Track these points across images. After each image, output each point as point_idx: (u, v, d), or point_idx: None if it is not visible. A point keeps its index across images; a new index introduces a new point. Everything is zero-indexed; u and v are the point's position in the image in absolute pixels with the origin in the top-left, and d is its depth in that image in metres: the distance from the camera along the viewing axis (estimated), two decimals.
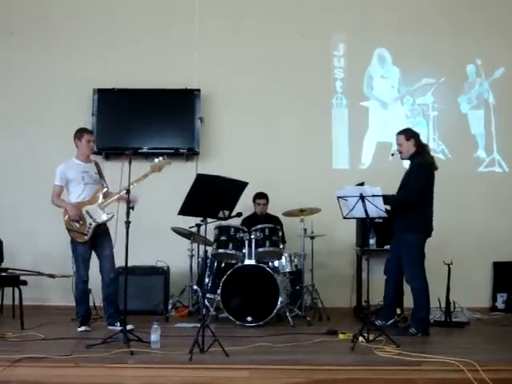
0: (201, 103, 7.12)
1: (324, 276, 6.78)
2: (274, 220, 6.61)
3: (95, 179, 5.50)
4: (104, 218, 5.39)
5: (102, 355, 4.28)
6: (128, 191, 4.87)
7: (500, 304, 6.92)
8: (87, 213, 5.36)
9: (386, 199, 5.11)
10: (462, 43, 7.33)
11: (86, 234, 5.35)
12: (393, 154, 5.69)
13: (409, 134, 5.53)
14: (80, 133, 5.55)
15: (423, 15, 7.39)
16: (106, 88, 7.09)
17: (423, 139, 5.79)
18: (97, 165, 5.62)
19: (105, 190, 5.48)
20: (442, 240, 6.75)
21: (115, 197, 5.34)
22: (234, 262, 6.14)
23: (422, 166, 5.43)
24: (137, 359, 4.28)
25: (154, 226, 6.60)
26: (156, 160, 5.33)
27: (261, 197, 6.73)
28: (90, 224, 5.35)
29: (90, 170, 5.51)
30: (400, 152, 5.56)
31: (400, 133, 5.57)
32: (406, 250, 5.38)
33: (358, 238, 6.67)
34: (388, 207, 5.20)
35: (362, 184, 5.28)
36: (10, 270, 5.84)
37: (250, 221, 6.46)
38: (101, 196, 5.44)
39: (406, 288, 5.53)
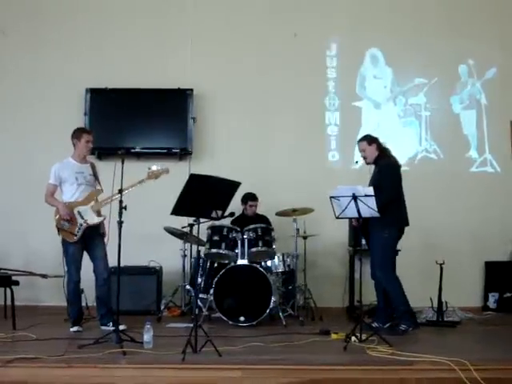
0: (194, 103, 7.11)
1: (317, 276, 6.79)
2: (263, 219, 6.60)
3: (89, 180, 5.48)
4: (95, 220, 5.38)
5: (95, 355, 4.27)
6: (120, 192, 4.85)
7: (492, 303, 6.94)
8: (79, 213, 5.34)
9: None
10: (455, 43, 7.34)
11: (76, 235, 5.32)
12: (357, 162, 5.78)
13: (370, 139, 5.70)
14: (79, 132, 5.53)
15: (416, 16, 7.40)
16: (98, 88, 7.06)
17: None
18: (93, 166, 5.59)
19: (99, 192, 5.45)
20: (434, 240, 6.80)
21: (108, 200, 5.29)
22: (226, 261, 6.14)
23: (390, 166, 5.56)
24: (129, 359, 4.27)
25: (147, 226, 6.57)
26: (154, 167, 5.29)
27: (254, 199, 6.69)
28: (81, 225, 5.33)
29: (84, 171, 5.48)
30: (364, 158, 5.69)
31: (361, 140, 5.75)
32: (378, 247, 5.43)
33: (351, 238, 6.68)
34: None
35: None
36: (1, 270, 5.82)
37: (240, 221, 6.43)
38: (94, 198, 5.42)
39: None
